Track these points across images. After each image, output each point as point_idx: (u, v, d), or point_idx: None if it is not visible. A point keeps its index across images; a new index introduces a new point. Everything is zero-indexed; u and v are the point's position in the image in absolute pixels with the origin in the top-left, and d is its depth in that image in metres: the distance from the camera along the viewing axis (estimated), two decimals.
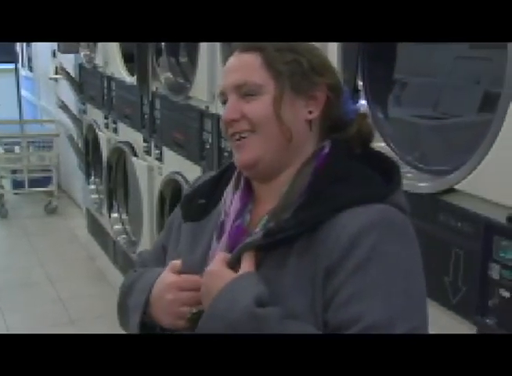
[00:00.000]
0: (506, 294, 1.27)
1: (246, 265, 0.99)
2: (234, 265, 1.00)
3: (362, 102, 1.80)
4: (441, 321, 1.39)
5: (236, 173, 1.12)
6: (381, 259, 0.93)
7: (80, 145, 4.59)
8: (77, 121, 4.62)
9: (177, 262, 1.11)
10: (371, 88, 1.81)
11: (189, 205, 1.18)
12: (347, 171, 1.02)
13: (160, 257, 1.23)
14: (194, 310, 1.04)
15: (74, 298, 3.80)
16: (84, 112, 4.47)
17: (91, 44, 4.09)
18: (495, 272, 1.29)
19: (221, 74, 1.11)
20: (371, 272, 0.92)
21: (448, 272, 1.40)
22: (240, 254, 1.00)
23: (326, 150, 1.06)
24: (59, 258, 4.41)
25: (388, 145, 1.70)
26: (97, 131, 4.12)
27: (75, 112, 4.68)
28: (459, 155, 1.46)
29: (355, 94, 1.77)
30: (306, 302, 0.95)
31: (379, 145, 1.65)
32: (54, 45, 4.96)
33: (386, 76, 1.85)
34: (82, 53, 4.18)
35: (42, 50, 5.90)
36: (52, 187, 5.44)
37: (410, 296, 0.94)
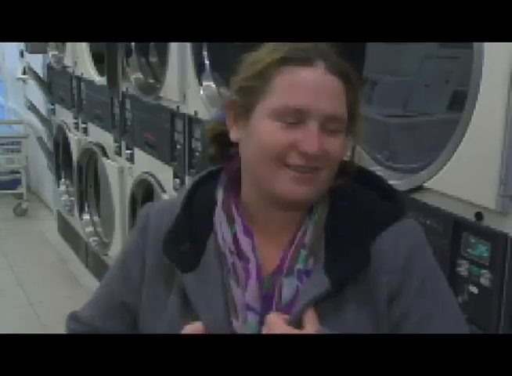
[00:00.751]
0: (475, 291, 1.29)
1: (313, 320, 0.91)
2: (296, 323, 0.91)
3: None
4: None
5: (219, 205, 1.01)
6: (431, 275, 0.96)
7: (49, 146, 4.53)
8: (46, 121, 4.56)
9: (197, 326, 0.96)
10: None
11: (176, 253, 1.00)
12: (357, 191, 1.00)
13: (115, 317, 1.09)
14: None
15: (45, 301, 3.75)
16: (53, 113, 4.42)
17: (59, 44, 4.04)
18: (463, 268, 1.31)
19: (296, 88, 0.91)
20: (431, 290, 0.95)
21: None
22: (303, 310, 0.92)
23: None
24: (30, 261, 4.35)
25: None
26: (67, 132, 4.07)
27: (44, 113, 4.62)
28: (428, 153, 1.47)
29: None
30: (371, 332, 0.93)
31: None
32: (22, 45, 4.89)
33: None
34: (50, 53, 4.14)
35: (10, 50, 5.80)
36: (21, 189, 5.36)
37: (453, 301, 0.99)
